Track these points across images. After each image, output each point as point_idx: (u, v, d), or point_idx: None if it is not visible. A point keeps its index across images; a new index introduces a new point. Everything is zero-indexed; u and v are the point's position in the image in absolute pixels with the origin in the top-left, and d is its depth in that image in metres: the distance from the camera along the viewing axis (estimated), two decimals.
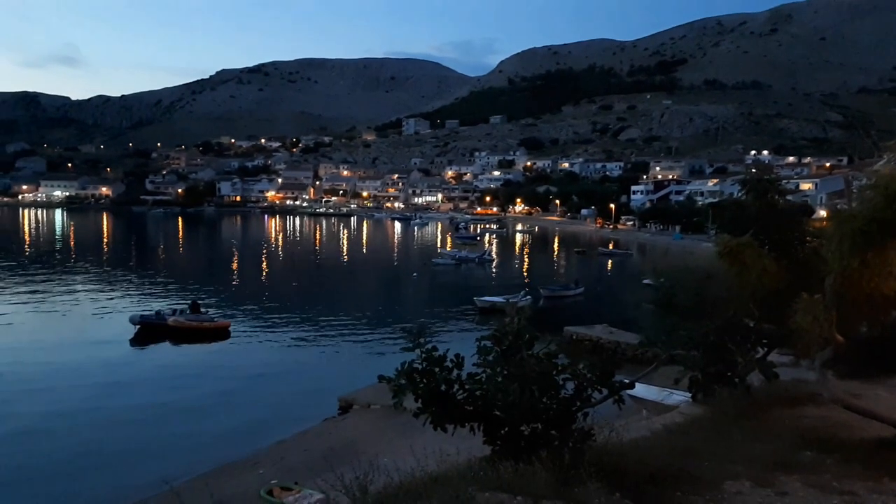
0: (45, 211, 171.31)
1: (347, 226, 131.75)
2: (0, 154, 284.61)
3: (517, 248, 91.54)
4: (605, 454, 6.36)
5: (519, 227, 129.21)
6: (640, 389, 15.42)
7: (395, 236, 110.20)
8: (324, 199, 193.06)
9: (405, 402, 6.08)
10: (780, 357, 11.41)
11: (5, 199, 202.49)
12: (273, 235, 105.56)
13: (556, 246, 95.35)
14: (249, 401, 22.74)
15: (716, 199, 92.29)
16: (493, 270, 64.44)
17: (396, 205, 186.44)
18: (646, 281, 27.89)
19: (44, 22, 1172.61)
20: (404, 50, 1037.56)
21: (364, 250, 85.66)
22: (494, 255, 75.42)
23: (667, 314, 10.31)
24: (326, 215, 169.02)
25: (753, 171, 11.46)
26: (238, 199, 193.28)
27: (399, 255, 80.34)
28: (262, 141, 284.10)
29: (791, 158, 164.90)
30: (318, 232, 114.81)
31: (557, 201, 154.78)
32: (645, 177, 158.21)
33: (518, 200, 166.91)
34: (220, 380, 25.24)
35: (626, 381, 6.88)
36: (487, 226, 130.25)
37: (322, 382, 25.21)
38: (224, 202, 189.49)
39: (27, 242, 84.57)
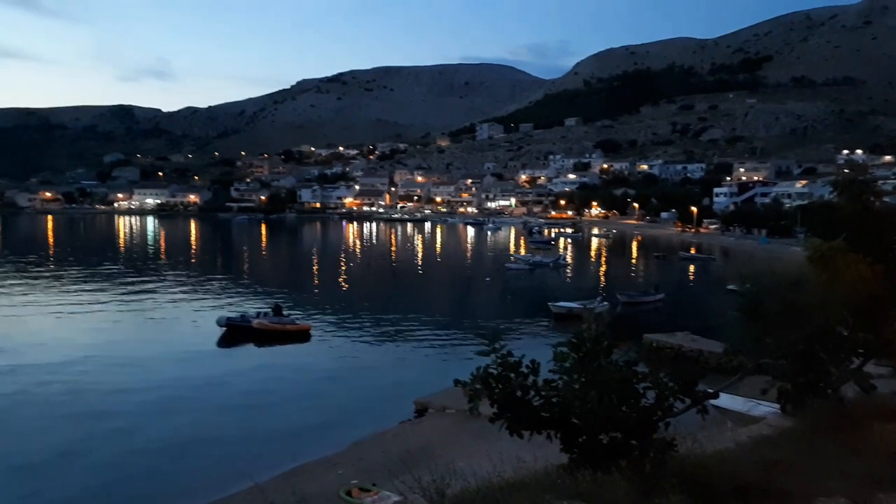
0: (138, 218, 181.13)
1: (421, 231, 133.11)
2: (98, 164, 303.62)
3: (593, 253, 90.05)
4: (687, 466, 6.17)
5: (595, 230, 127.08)
6: (724, 400, 14.86)
7: (469, 241, 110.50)
8: (399, 205, 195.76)
9: (480, 407, 6.09)
10: (877, 368, 10.76)
11: (102, 206, 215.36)
12: (350, 241, 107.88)
13: (634, 250, 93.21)
14: (328, 402, 23.30)
15: (805, 202, 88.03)
16: (568, 275, 63.62)
17: (469, 210, 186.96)
18: (730, 287, 26.90)
19: (138, 38, 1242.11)
20: (479, 55, 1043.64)
21: (438, 255, 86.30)
22: (569, 260, 74.47)
23: (753, 321, 9.90)
24: (401, 221, 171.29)
25: (846, 171, 10.87)
26: (318, 205, 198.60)
27: (472, 260, 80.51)
28: (341, 149, 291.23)
29: (887, 157, 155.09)
30: (393, 237, 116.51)
31: (636, 204, 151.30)
32: (728, 178, 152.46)
33: (594, 204, 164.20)
34: (301, 381, 25.99)
35: (710, 390, 6.66)
36: (562, 230, 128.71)
37: (398, 385, 25.54)
38: (304, 209, 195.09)
39: (122, 248, 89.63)
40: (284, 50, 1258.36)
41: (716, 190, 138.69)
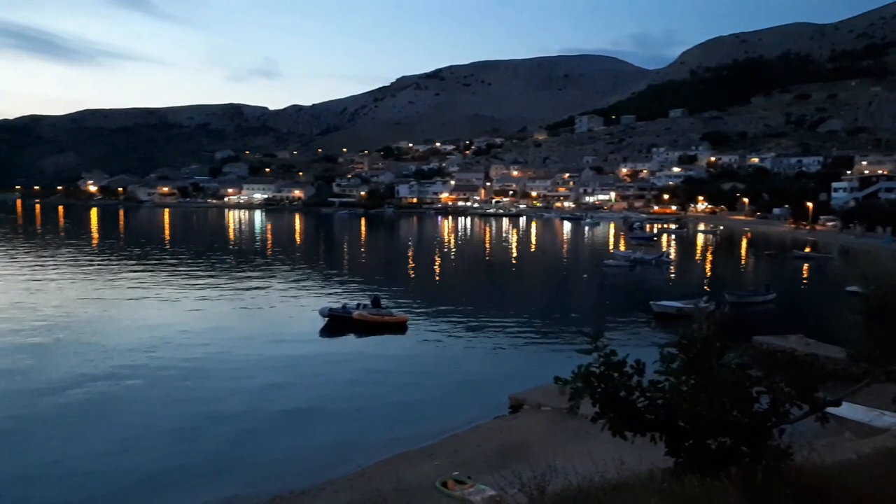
0: (247, 212, 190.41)
1: (516, 226, 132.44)
2: (210, 160, 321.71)
3: (699, 250, 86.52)
4: (803, 476, 5.80)
5: (701, 226, 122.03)
6: (844, 408, 13.89)
7: (565, 236, 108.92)
8: (494, 200, 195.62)
9: (581, 405, 5.95)
10: None
11: (214, 200, 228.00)
12: (445, 235, 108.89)
13: (743, 248, 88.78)
14: (424, 393, 23.65)
15: None
16: (671, 273, 61.45)
17: (566, 204, 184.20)
18: (851, 288, 25.10)
19: (247, 40, 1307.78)
20: (579, 47, 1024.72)
21: (533, 251, 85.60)
22: (672, 257, 71.90)
23: (879, 325, 9.15)
24: (496, 216, 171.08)
25: None
26: (414, 200, 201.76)
27: (569, 256, 79.29)
28: (437, 144, 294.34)
29: None
30: (487, 232, 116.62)
31: (745, 199, 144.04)
32: (849, 172, 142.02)
33: (700, 198, 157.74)
34: (399, 372, 26.51)
35: (831, 398, 6.21)
36: (665, 225, 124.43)
37: (492, 380, 25.57)
38: (402, 204, 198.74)
39: (232, 240, 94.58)
40: (385, 48, 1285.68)
41: (834, 185, 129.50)
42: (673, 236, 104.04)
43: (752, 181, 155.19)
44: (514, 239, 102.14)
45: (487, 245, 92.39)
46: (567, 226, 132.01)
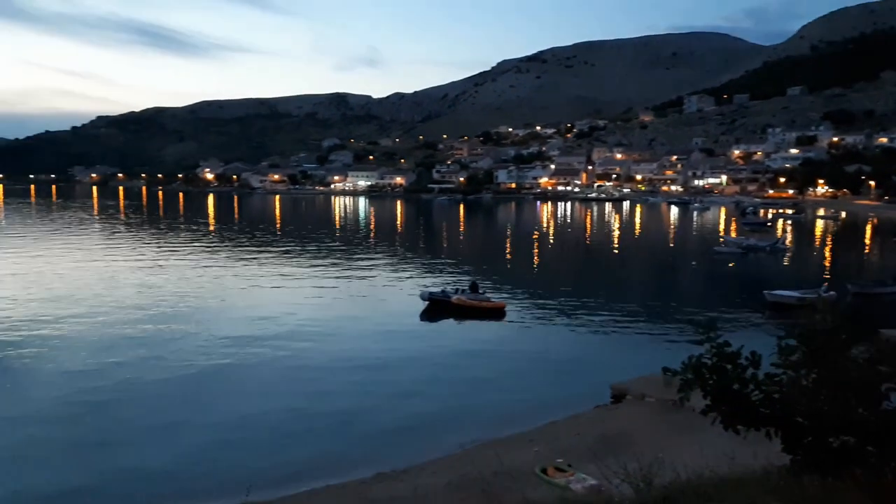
0: (351, 198, 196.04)
1: (619, 211, 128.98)
2: (317, 148, 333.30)
3: (817, 237, 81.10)
4: None
5: (820, 212, 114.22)
6: None
7: (672, 222, 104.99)
8: (596, 184, 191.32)
9: (689, 397, 5.73)
10: None
11: (321, 187, 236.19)
12: (544, 221, 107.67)
13: (868, 235, 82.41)
14: (524, 379, 23.60)
15: None
16: (787, 261, 57.98)
17: (674, 188, 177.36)
18: None
19: (351, 29, 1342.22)
20: (689, 23, 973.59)
21: (637, 236, 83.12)
22: (788, 244, 67.78)
23: None
24: (598, 200, 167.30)
25: None
26: (513, 185, 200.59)
27: (676, 242, 76.40)
28: (538, 128, 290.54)
29: None
30: (588, 217, 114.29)
31: (872, 183, 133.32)
32: None
33: (820, 182, 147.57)
34: (498, 357, 26.60)
35: None
36: (781, 210, 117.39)
37: (593, 368, 25.14)
38: (500, 189, 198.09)
39: (338, 226, 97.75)
40: (486, 33, 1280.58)
41: None
42: (789, 222, 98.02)
43: (879, 163, 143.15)
44: (616, 224, 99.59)
45: (588, 230, 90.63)
46: (674, 210, 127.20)
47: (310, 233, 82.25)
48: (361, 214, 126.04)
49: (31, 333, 28.52)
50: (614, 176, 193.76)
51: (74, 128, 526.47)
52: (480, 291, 35.86)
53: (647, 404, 19.25)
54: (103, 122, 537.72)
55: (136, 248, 63.17)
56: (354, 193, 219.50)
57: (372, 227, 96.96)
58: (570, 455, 14.75)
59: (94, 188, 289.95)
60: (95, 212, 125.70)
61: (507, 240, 77.73)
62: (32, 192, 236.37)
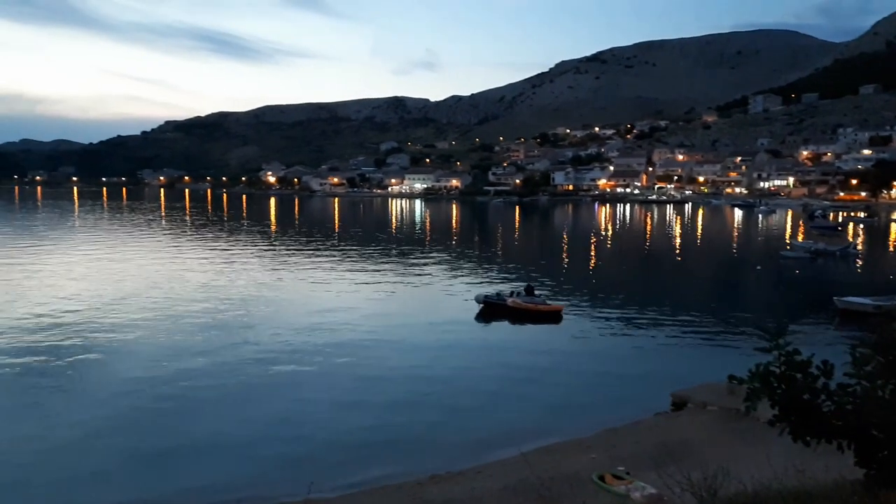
0: (407, 201, 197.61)
1: (681, 213, 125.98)
2: (375, 152, 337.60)
3: (892, 241, 77.30)
4: None
5: (895, 215, 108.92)
6: None
7: (735, 225, 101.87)
8: (656, 186, 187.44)
9: (756, 407, 5.52)
10: None
11: (379, 190, 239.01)
12: (602, 223, 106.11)
13: None
14: (580, 384, 23.28)
15: None
16: (859, 266, 55.47)
17: (738, 190, 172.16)
18: None
19: (410, 32, 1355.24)
20: (755, 21, 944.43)
21: (699, 239, 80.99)
22: (860, 249, 64.83)
23: None
24: (658, 202, 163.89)
25: None
26: (570, 187, 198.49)
27: (739, 246, 74.08)
28: (596, 129, 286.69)
29: None
30: (648, 220, 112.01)
31: None
32: None
33: (894, 184, 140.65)
34: (554, 360, 26.31)
35: None
36: (852, 213, 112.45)
37: (652, 374, 24.59)
38: (557, 191, 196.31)
39: (394, 228, 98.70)
40: (544, 33, 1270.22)
41: None
42: (861, 225, 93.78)
43: None
44: (677, 227, 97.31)
45: (648, 233, 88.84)
46: (738, 213, 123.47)
47: (366, 235, 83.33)
48: (417, 217, 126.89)
49: (100, 333, 29.78)
50: (675, 178, 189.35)
51: (144, 132, 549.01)
52: (536, 294, 35.55)
53: (709, 413, 18.70)
54: (171, 126, 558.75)
55: (201, 248, 65.26)
56: (411, 196, 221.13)
57: (427, 229, 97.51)
58: (629, 463, 14.46)
59: (162, 191, 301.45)
60: (163, 213, 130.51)
61: (564, 242, 76.92)
62: (104, 194, 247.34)
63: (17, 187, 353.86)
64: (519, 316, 33.10)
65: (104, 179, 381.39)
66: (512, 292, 35.49)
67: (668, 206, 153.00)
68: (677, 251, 67.37)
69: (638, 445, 16.16)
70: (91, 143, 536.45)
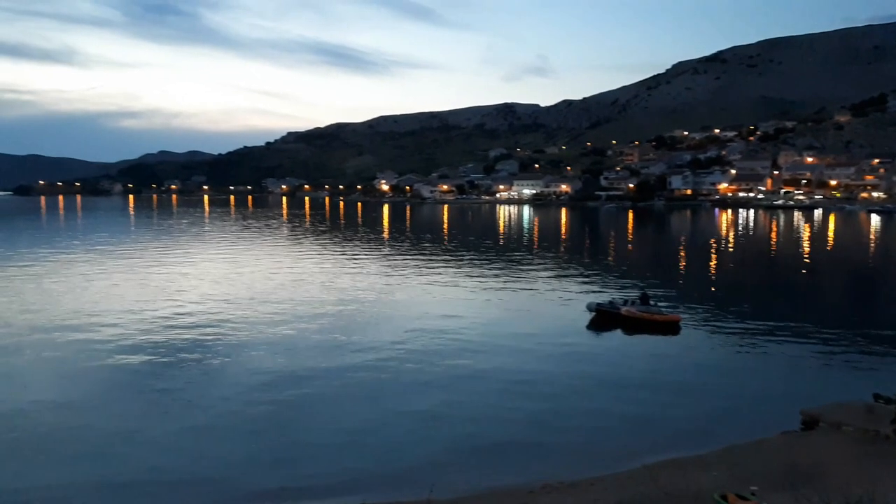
0: (516, 207, 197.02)
1: (809, 220, 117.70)
2: (484, 159, 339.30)
3: None
4: None
5: None
6: None
7: (873, 233, 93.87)
8: (782, 191, 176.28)
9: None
10: None
11: (487, 196, 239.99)
12: (723, 230, 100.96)
13: None
14: (701, 397, 22.25)
15: None
16: None
17: (875, 195, 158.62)
18: None
19: (521, 39, 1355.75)
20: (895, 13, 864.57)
21: (830, 248, 75.30)
22: None
23: None
24: (784, 208, 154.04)
25: None
26: (688, 192, 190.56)
27: (878, 256, 68.20)
28: (716, 131, 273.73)
29: None
30: (773, 226, 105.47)
31: None
32: None
33: None
34: (671, 372, 25.31)
35: None
36: None
37: (779, 391, 23.12)
38: (674, 196, 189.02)
39: (502, 234, 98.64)
40: (660, 35, 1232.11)
41: None
42: None
43: None
44: (806, 234, 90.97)
45: (773, 241, 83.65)
46: (875, 220, 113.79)
47: (474, 241, 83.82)
48: (525, 222, 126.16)
49: (227, 331, 31.72)
50: (804, 181, 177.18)
51: (268, 143, 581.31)
52: (651, 303, 34.36)
53: (844, 433, 17.32)
54: (292, 137, 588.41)
55: (320, 253, 68.11)
56: (519, 202, 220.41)
57: (536, 235, 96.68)
58: (753, 482, 13.64)
59: (284, 198, 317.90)
60: (285, 220, 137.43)
61: (681, 249, 73.89)
62: (232, 201, 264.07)
63: (154, 195, 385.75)
64: (633, 325, 32.13)
65: (231, 188, 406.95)
66: (626, 301, 34.52)
67: (795, 211, 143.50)
68: (807, 260, 62.95)
69: (764, 465, 15.23)
70: (220, 154, 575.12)
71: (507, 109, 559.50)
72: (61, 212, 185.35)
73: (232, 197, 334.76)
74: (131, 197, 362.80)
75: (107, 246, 76.30)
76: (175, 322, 33.21)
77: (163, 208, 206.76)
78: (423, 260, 61.43)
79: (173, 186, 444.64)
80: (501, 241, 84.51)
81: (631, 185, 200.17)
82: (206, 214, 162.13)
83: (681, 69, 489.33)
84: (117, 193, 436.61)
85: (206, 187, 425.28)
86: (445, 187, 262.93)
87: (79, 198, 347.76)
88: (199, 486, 15.52)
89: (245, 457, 17.29)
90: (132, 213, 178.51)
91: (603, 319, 33.36)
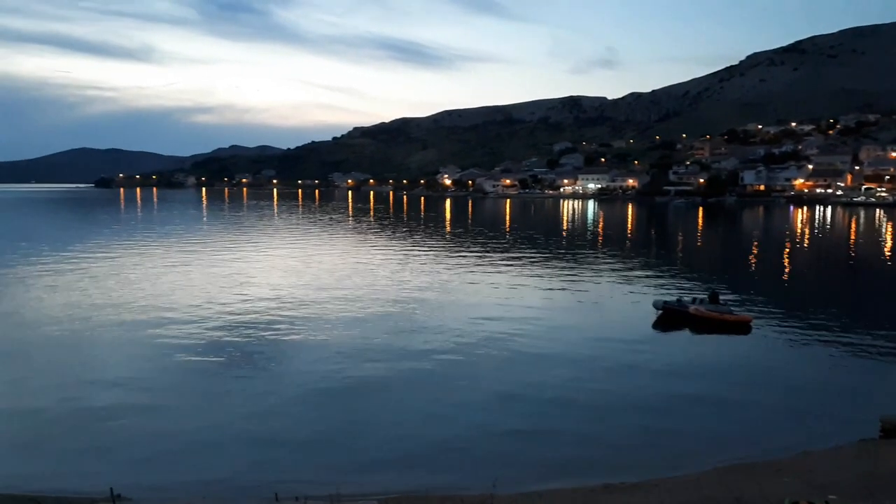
0: (580, 201, 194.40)
1: (893, 218, 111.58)
2: (548, 152, 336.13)
3: None
4: None
5: None
6: None
7: None
8: (863, 187, 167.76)
9: None
10: None
11: (550, 191, 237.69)
12: (799, 228, 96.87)
13: None
14: (772, 401, 21.40)
15: None
16: None
17: None
18: None
19: (589, 31, 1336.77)
20: None
21: None
22: None
23: None
24: (866, 205, 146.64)
25: None
26: (761, 188, 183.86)
27: None
28: (793, 125, 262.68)
29: None
30: (853, 224, 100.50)
31: None
32: None
33: None
34: (742, 374, 24.47)
35: None
36: None
37: (857, 396, 22.06)
38: (746, 191, 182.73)
39: (565, 229, 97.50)
40: (734, 24, 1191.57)
41: None
42: None
43: None
44: (888, 233, 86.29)
45: (852, 240, 79.72)
46: None
47: (536, 236, 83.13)
48: (590, 217, 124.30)
49: (296, 320, 32.49)
50: (887, 178, 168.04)
51: (334, 138, 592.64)
52: (721, 302, 33.30)
53: None
54: (358, 132, 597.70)
55: (383, 246, 68.98)
56: (584, 197, 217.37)
57: (600, 230, 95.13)
58: (828, 491, 13.06)
59: (350, 192, 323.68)
60: (350, 213, 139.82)
61: (754, 247, 71.30)
62: (300, 195, 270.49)
63: (226, 188, 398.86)
64: (701, 325, 31.23)
65: (299, 182, 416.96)
66: (694, 299, 33.56)
67: (877, 209, 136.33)
68: (889, 261, 59.74)
69: (840, 473, 14.56)
70: (289, 149, 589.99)
71: (573, 102, 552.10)
72: (139, 203, 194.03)
73: (300, 191, 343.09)
74: (204, 190, 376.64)
75: (181, 236, 79.51)
76: (246, 308, 34.33)
77: (234, 201, 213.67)
78: (484, 255, 61.35)
79: (244, 180, 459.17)
80: (565, 236, 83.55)
81: (701, 180, 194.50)
82: (275, 207, 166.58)
83: (756, 60, 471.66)
84: (191, 186, 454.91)
85: (275, 181, 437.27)
86: (508, 181, 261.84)
87: (155, 190, 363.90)
88: (262, 468, 15.97)
89: (312, 440, 17.79)
90: (204, 205, 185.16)
91: (670, 318, 32.56)
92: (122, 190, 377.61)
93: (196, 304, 35.79)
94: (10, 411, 20.05)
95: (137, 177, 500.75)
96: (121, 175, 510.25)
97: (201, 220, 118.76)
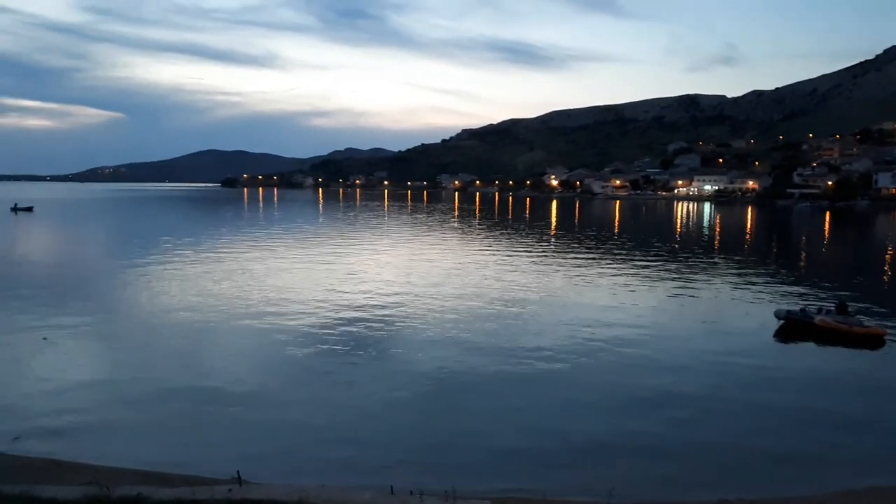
0: (695, 203, 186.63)
1: None
2: (662, 153, 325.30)
3: None
4: None
5: None
6: None
7: None
8: None
9: None
10: None
11: (664, 192, 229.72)
12: None
13: None
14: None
15: None
16: None
17: None
18: None
19: (707, 27, 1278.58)
20: None
21: None
22: None
23: None
24: None
25: None
26: None
27: None
28: None
29: None
30: None
31: None
32: None
33: None
34: (872, 391, 22.80)
35: None
36: None
37: None
38: (880, 195, 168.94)
39: (678, 232, 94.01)
40: (867, 15, 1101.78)
41: None
42: None
43: None
44: None
45: None
46: None
47: (646, 238, 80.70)
48: (706, 220, 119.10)
49: (406, 317, 33.43)
50: None
51: (443, 140, 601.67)
52: (850, 313, 31.15)
53: None
54: (466, 134, 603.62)
55: (488, 246, 69.43)
56: (699, 199, 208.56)
57: (717, 234, 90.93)
58: None
59: (456, 193, 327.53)
60: (456, 214, 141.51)
61: (888, 254, 65.91)
62: (409, 196, 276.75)
63: (341, 189, 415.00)
64: (827, 337, 29.36)
65: (409, 183, 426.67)
66: (820, 309, 31.60)
67: None
68: None
69: None
70: (400, 151, 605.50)
71: (690, 101, 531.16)
72: (261, 202, 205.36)
73: (409, 192, 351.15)
74: (320, 190, 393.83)
75: (301, 233, 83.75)
76: (360, 304, 35.73)
77: (348, 201, 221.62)
78: (591, 258, 60.34)
79: (357, 181, 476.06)
80: (678, 240, 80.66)
81: (829, 183, 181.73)
82: (386, 207, 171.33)
83: (893, 55, 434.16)
84: (308, 186, 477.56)
85: (386, 182, 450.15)
86: (618, 182, 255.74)
87: (276, 190, 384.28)
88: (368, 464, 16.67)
89: (425, 435, 18.27)
90: (321, 204, 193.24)
91: (793, 328, 30.82)
92: (245, 189, 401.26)
93: (318, 299, 37.54)
94: (140, 394, 21.59)
95: (260, 177, 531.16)
96: (245, 175, 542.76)
97: (318, 218, 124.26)
